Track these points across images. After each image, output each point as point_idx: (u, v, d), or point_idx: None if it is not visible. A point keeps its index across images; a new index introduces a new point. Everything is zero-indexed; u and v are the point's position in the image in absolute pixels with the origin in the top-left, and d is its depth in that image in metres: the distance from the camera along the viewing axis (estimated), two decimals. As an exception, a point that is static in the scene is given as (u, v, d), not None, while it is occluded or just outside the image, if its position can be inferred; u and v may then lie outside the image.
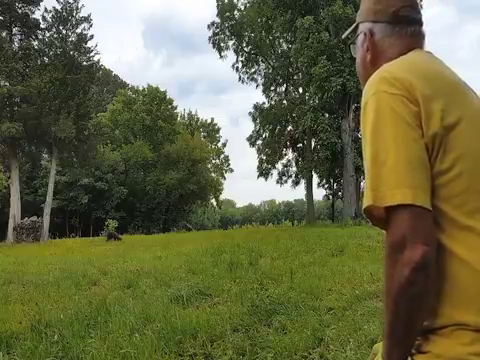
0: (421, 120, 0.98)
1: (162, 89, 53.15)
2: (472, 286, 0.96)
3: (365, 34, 1.25)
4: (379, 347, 1.20)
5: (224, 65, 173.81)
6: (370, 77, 1.11)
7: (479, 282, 0.95)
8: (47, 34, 28.76)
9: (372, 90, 1.05)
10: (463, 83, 1.13)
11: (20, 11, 27.75)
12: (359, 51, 1.29)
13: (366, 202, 0.98)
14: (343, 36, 1.41)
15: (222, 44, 38.55)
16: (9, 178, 28.85)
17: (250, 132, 37.76)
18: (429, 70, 1.09)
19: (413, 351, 1.03)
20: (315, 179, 34.85)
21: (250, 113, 37.56)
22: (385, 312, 0.97)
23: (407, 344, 0.98)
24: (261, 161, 36.24)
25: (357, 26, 1.31)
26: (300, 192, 52.32)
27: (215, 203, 59.62)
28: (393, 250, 0.93)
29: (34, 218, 26.23)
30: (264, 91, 37.83)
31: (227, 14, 37.67)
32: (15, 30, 28.20)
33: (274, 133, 35.75)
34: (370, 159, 0.99)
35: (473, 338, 0.93)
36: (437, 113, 0.99)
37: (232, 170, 59.87)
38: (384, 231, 1.03)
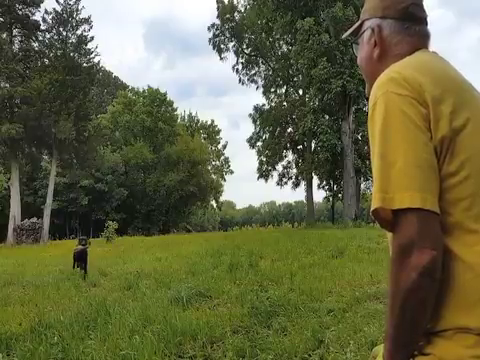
0: (430, 122, 0.98)
1: (162, 91, 53.26)
2: (476, 291, 0.95)
3: (373, 30, 1.23)
4: (379, 350, 1.19)
5: (224, 67, 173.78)
6: (377, 74, 1.10)
7: None
8: (47, 36, 28.77)
9: (381, 90, 1.04)
10: (469, 83, 1.12)
11: (20, 13, 27.76)
12: (364, 48, 1.28)
13: (374, 204, 0.97)
14: (345, 35, 1.40)
15: (222, 46, 38.69)
16: (9, 179, 28.86)
17: (250, 134, 37.86)
18: (437, 71, 1.08)
19: (415, 352, 1.02)
20: (315, 181, 34.92)
21: (250, 115, 37.66)
22: (389, 315, 0.96)
23: (410, 347, 0.98)
24: (261, 163, 36.28)
25: (361, 24, 1.30)
26: (300, 194, 52.45)
27: (215, 205, 59.68)
28: (400, 254, 0.93)
29: (34, 219, 26.23)
30: (264, 93, 37.92)
31: (227, 16, 37.74)
32: (15, 31, 28.21)
33: (274, 135, 35.79)
34: (379, 161, 0.98)
35: (476, 341, 0.93)
36: (446, 115, 0.98)
37: (232, 172, 59.98)
38: (389, 234, 1.02)
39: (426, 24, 1.22)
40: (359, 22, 1.31)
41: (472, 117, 1.02)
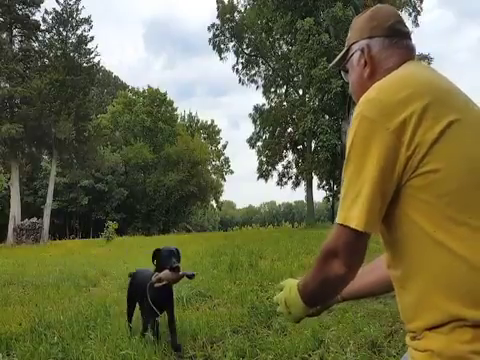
0: (402, 142, 1.02)
1: (162, 91, 53.26)
2: (470, 282, 0.97)
3: (362, 50, 1.28)
4: (286, 284, 1.36)
5: (224, 67, 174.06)
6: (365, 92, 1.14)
7: (476, 278, 0.97)
8: (47, 36, 28.77)
9: (357, 111, 1.10)
10: (456, 87, 1.16)
11: (20, 12, 27.76)
12: (354, 70, 1.33)
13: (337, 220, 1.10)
14: (332, 63, 1.44)
15: (222, 46, 38.66)
16: (9, 179, 28.85)
17: (250, 134, 37.84)
18: (422, 79, 1.12)
19: (412, 350, 1.05)
20: (315, 180, 34.89)
21: (250, 115, 37.63)
22: (308, 281, 1.21)
23: (319, 303, 1.39)
24: (261, 163, 36.25)
25: (348, 50, 1.35)
26: (300, 194, 52.43)
27: (215, 205, 59.67)
28: (325, 255, 1.11)
29: (34, 219, 26.22)
30: (264, 93, 37.91)
31: (227, 16, 37.72)
32: (15, 31, 28.20)
33: (274, 135, 35.77)
34: (344, 180, 1.09)
35: (473, 336, 0.95)
36: (428, 120, 1.02)
37: (232, 172, 59.98)
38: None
39: (410, 39, 1.29)
40: (346, 48, 1.36)
41: (459, 118, 1.05)
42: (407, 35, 1.28)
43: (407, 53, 1.25)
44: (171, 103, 54.24)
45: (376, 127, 1.04)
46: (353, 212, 1.04)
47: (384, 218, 1.07)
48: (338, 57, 1.40)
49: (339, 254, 1.07)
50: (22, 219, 26.52)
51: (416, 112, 1.02)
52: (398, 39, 1.25)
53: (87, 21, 28.98)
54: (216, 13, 37.94)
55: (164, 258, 3.75)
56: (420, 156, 1.01)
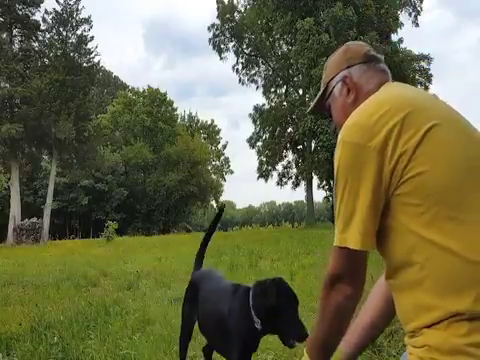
0: (385, 156, 1.07)
1: (162, 91, 53.25)
2: (463, 276, 0.99)
3: (343, 80, 1.35)
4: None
5: (224, 67, 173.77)
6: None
7: (470, 271, 0.99)
8: (47, 35, 28.75)
9: (340, 136, 1.16)
10: (431, 97, 1.22)
11: (20, 12, 27.74)
12: (337, 102, 1.38)
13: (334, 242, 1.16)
14: (311, 107, 1.54)
15: (222, 46, 38.63)
16: (9, 179, 28.85)
17: (250, 134, 37.82)
18: (399, 96, 1.19)
19: (410, 347, 1.07)
20: (315, 180, 34.85)
21: (250, 115, 37.59)
22: (319, 325, 1.24)
23: (332, 350, 1.29)
24: (261, 163, 36.21)
25: (326, 88, 1.42)
26: (300, 194, 52.41)
27: (215, 205, 59.63)
28: (332, 281, 1.17)
29: (34, 219, 26.20)
30: (264, 93, 37.87)
31: (227, 16, 37.70)
32: (15, 31, 28.19)
33: (274, 135, 35.72)
34: (336, 203, 1.16)
35: (469, 329, 0.96)
36: (406, 134, 1.07)
37: (232, 172, 59.97)
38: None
39: (384, 63, 1.39)
40: (323, 87, 1.44)
41: (439, 123, 1.09)
42: (381, 60, 1.37)
43: (384, 76, 1.33)
44: (171, 103, 54.21)
45: (359, 149, 1.09)
46: (349, 233, 1.10)
47: (377, 229, 1.11)
48: (317, 98, 1.46)
49: (344, 276, 1.15)
50: (22, 219, 26.51)
51: (395, 127, 1.07)
52: (375, 63, 1.34)
53: (87, 21, 28.97)
54: (216, 13, 37.96)
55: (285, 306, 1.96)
56: (403, 165, 1.05)
